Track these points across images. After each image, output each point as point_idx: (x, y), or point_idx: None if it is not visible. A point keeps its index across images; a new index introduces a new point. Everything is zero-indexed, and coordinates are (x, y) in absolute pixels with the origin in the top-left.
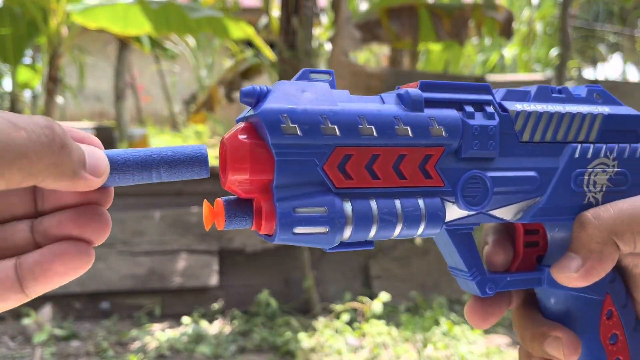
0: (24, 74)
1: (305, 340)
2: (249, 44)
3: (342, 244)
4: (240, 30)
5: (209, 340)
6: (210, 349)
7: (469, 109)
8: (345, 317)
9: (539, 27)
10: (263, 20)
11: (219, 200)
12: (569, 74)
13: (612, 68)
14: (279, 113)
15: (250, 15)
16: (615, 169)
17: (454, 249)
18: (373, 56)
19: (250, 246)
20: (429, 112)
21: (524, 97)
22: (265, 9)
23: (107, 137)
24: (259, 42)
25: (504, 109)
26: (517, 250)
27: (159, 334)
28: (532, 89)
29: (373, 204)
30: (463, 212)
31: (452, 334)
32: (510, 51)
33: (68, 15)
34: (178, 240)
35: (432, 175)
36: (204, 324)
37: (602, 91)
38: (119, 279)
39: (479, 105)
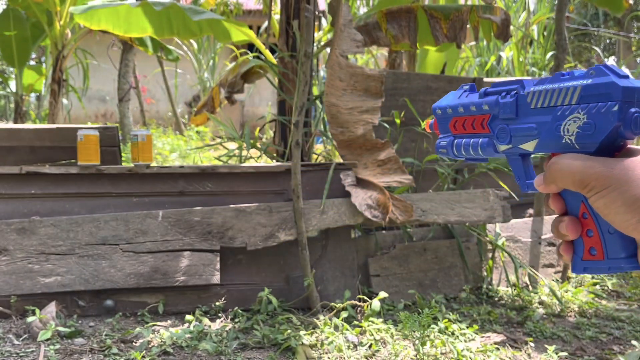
0: (29, 76)
1: (305, 337)
2: (251, 46)
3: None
4: (241, 33)
5: (211, 338)
6: (212, 346)
7: (504, 94)
8: (345, 314)
9: (535, 29)
10: (265, 23)
11: None
12: None
13: None
14: None
15: (253, 18)
16: (585, 121)
17: (511, 165)
18: (373, 58)
19: (252, 245)
20: (486, 99)
21: (545, 81)
22: (266, 12)
23: (111, 138)
24: (259, 44)
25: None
26: None
27: (163, 332)
28: (550, 77)
29: (464, 139)
30: (504, 146)
31: (449, 331)
32: (508, 54)
33: (72, 18)
34: (181, 239)
35: (486, 128)
36: (206, 321)
37: (597, 68)
38: (122, 277)
39: (508, 92)
